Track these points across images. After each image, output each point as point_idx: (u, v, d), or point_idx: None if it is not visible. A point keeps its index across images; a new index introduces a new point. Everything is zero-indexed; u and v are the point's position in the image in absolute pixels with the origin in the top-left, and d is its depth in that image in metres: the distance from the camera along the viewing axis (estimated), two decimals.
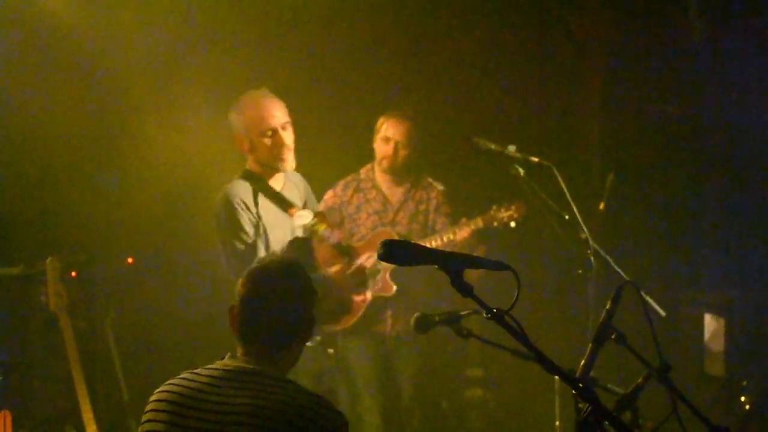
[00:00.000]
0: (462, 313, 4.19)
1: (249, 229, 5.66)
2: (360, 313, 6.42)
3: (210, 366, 3.64)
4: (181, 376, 3.64)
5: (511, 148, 5.84)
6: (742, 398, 6.75)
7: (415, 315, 4.41)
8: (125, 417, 6.72)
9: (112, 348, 6.91)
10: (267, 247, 5.71)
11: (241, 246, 5.65)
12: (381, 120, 6.74)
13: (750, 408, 6.67)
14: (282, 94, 5.93)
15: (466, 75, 8.16)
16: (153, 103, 7.19)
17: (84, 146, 7.31)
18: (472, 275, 3.11)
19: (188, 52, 7.36)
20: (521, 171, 5.81)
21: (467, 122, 7.82)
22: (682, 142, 8.07)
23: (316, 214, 5.90)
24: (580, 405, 3.18)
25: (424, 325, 4.37)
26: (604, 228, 6.96)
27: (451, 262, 3.11)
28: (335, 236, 5.80)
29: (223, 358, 3.67)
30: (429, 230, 6.75)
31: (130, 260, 7.40)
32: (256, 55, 7.52)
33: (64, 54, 7.02)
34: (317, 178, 6.42)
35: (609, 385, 3.81)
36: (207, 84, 7.34)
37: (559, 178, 5.72)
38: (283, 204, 5.85)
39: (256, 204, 5.74)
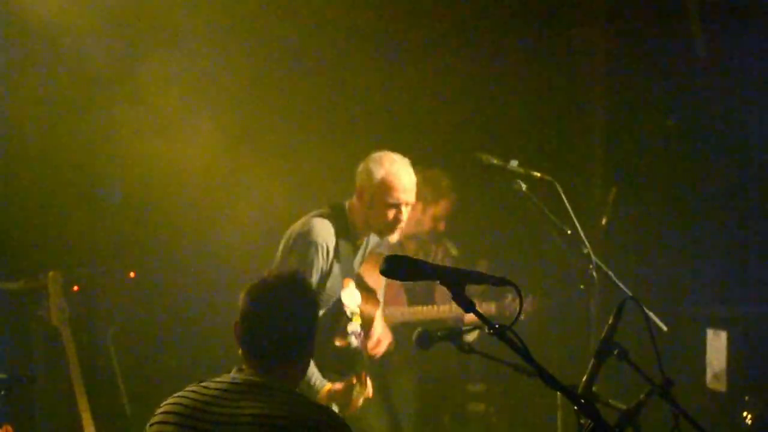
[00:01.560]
0: (464, 328, 4.19)
1: (315, 274, 5.56)
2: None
3: (218, 379, 3.65)
4: (189, 388, 3.65)
5: (513, 163, 5.84)
6: (745, 413, 6.74)
7: (417, 330, 4.40)
8: (127, 430, 6.72)
9: (114, 362, 6.91)
10: (321, 294, 5.59)
11: None
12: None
13: (752, 423, 6.66)
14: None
15: (466, 90, 8.15)
16: (157, 116, 7.19)
17: (87, 160, 7.31)
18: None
19: (193, 67, 7.36)
20: (523, 186, 5.81)
21: (468, 137, 7.81)
22: (684, 156, 8.07)
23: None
24: (582, 421, 3.19)
25: (425, 340, 4.37)
26: (606, 243, 6.97)
27: (453, 278, 3.11)
28: (358, 340, 5.69)
29: (230, 372, 3.69)
30: (431, 298, 6.80)
31: (132, 274, 7.41)
32: (259, 67, 7.53)
33: (67, 67, 7.02)
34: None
35: (611, 401, 3.80)
36: (211, 98, 7.35)
37: (561, 193, 5.72)
38: (348, 269, 5.77)
39: (337, 254, 5.65)
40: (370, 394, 5.61)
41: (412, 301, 6.92)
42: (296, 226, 5.70)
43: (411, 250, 7.03)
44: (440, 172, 7.06)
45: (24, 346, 7.02)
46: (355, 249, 5.82)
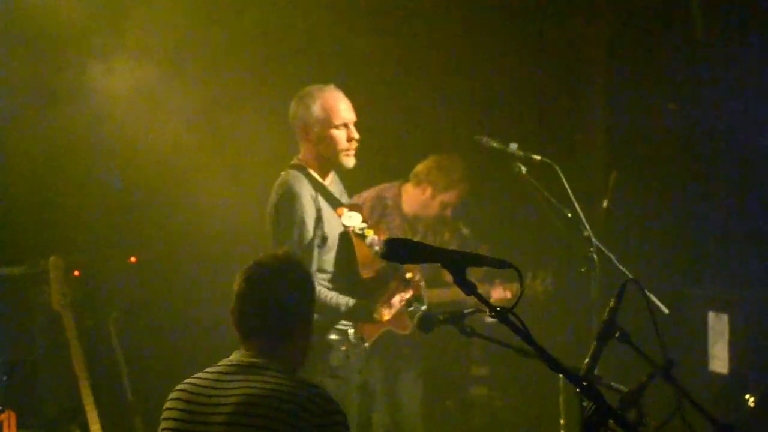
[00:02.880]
0: (466, 311, 4.19)
1: (310, 222, 5.59)
2: (382, 330, 6.32)
3: (218, 363, 3.70)
4: (196, 374, 3.72)
5: (513, 147, 5.83)
6: (747, 395, 6.75)
7: (419, 314, 4.41)
8: (129, 416, 6.73)
9: (116, 347, 6.91)
10: (323, 241, 5.66)
11: (299, 239, 5.57)
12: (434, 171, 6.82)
13: (754, 405, 6.67)
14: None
15: (467, 74, 8.15)
16: (156, 102, 7.18)
17: (87, 145, 7.30)
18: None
19: (190, 53, 7.35)
20: (523, 169, 5.80)
21: (469, 121, 7.80)
22: (685, 139, 8.07)
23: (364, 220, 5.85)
24: (585, 403, 3.18)
25: (427, 323, 4.38)
26: (607, 226, 6.97)
27: (454, 260, 3.11)
28: (380, 246, 5.73)
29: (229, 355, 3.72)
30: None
31: (133, 259, 7.41)
32: (252, 57, 7.53)
33: (66, 54, 7.01)
34: None
35: (613, 383, 3.80)
36: (210, 85, 7.34)
37: (562, 176, 5.71)
38: (333, 202, 5.80)
39: (317, 198, 5.68)
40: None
41: (430, 284, 6.92)
42: (272, 196, 5.74)
43: (420, 231, 7.03)
44: (456, 160, 7.04)
45: (26, 331, 7.02)
46: (330, 186, 5.84)
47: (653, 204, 8.07)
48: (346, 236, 5.73)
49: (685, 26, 7.98)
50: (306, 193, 5.63)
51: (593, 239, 5.71)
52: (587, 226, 5.72)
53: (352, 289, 5.66)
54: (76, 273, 6.82)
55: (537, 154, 5.82)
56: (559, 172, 5.73)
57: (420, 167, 7.02)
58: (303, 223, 5.57)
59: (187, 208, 7.36)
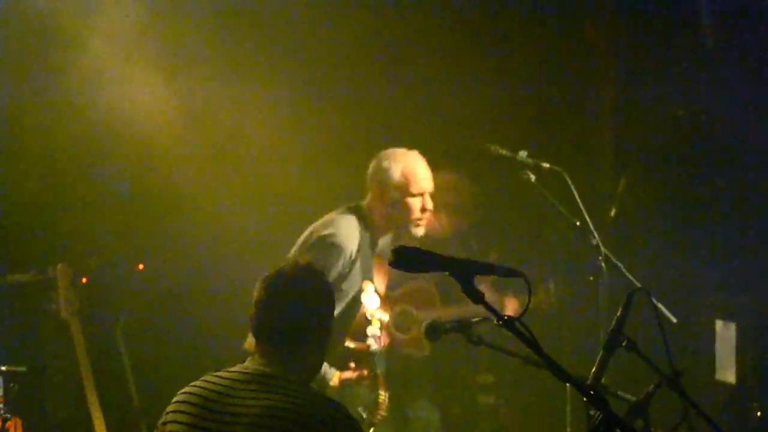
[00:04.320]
0: (473, 320, 4.18)
1: (335, 273, 5.52)
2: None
3: (231, 369, 3.70)
4: (204, 378, 3.70)
5: (522, 154, 5.83)
6: (754, 405, 6.74)
7: (426, 323, 4.40)
8: (136, 423, 6.73)
9: (123, 354, 6.91)
10: (338, 295, 5.45)
11: None
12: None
13: (762, 415, 6.65)
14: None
15: (475, 81, 8.14)
16: (165, 109, 7.18)
17: (94, 153, 7.31)
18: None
19: (197, 56, 7.35)
20: (532, 177, 5.79)
21: (477, 129, 7.80)
22: (694, 146, 8.05)
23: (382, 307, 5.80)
24: (592, 412, 3.18)
25: (434, 332, 4.37)
26: (615, 234, 6.96)
27: (462, 269, 3.10)
28: (377, 343, 5.66)
29: (244, 361, 3.71)
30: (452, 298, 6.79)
31: (140, 266, 7.41)
32: (259, 60, 7.52)
33: (73, 60, 7.01)
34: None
35: (620, 392, 3.80)
36: (220, 90, 7.34)
37: (570, 184, 5.71)
38: (366, 271, 5.75)
39: (356, 256, 5.62)
40: (384, 410, 5.60)
41: (445, 303, 6.89)
42: (321, 225, 5.67)
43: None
44: (467, 182, 7.02)
45: (33, 338, 7.03)
46: (374, 251, 5.80)
47: (661, 212, 8.06)
48: (356, 302, 5.66)
49: (695, 32, 7.97)
50: (349, 248, 5.57)
51: (602, 247, 5.70)
52: (596, 235, 5.71)
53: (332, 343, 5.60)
54: (84, 280, 6.82)
55: (546, 161, 5.82)
56: (568, 179, 5.73)
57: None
58: (328, 270, 5.38)
59: (195, 216, 7.36)
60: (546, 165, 5.82)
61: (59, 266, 6.39)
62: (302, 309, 3.72)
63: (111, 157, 7.43)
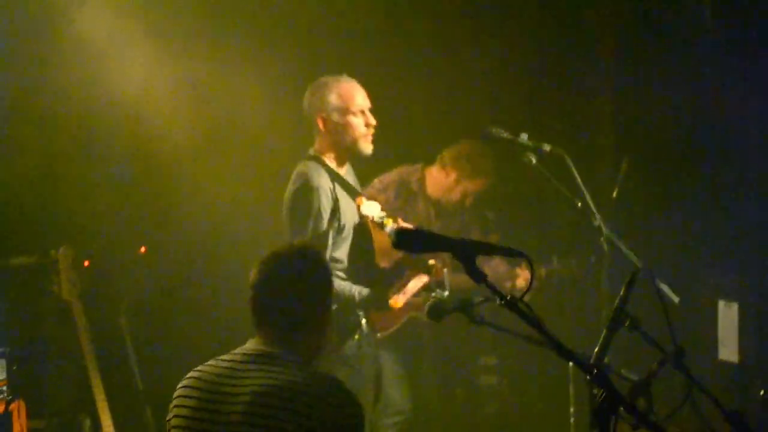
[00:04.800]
0: (476, 299, 4.18)
1: (326, 214, 5.61)
2: (403, 319, 6.33)
3: (232, 351, 3.72)
4: (207, 363, 3.73)
5: (523, 137, 5.83)
6: (757, 384, 6.74)
7: (428, 302, 4.40)
8: (140, 405, 6.74)
9: (126, 337, 6.92)
10: (339, 232, 5.69)
11: (314, 230, 5.59)
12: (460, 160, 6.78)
13: (764, 394, 6.66)
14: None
15: (476, 64, 8.13)
16: (168, 93, 7.18)
17: (96, 135, 7.31)
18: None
19: (201, 42, 7.35)
20: (533, 159, 5.79)
21: (478, 111, 7.79)
22: (695, 127, 8.04)
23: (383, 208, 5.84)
24: (595, 391, 3.18)
25: (437, 311, 4.36)
26: (617, 215, 6.95)
27: (464, 249, 3.11)
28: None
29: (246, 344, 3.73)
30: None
31: (143, 249, 7.41)
32: (265, 47, 7.51)
33: (75, 44, 7.00)
34: None
35: (623, 371, 3.80)
36: (222, 75, 7.34)
37: (572, 166, 5.71)
38: (351, 191, 5.81)
39: (334, 188, 5.69)
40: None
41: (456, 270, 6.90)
42: (289, 186, 5.75)
43: (444, 214, 7.00)
44: (486, 149, 7.02)
45: (36, 321, 7.04)
46: (345, 176, 5.84)
47: (663, 193, 8.05)
48: (363, 226, 5.74)
49: (695, 16, 7.96)
50: (324, 184, 5.64)
51: (603, 228, 5.71)
52: (597, 216, 5.71)
53: (368, 278, 5.68)
54: (86, 263, 6.83)
55: (547, 144, 5.81)
56: (569, 161, 5.73)
57: (449, 152, 7.02)
58: (319, 214, 5.59)
59: (198, 198, 7.37)
60: (547, 147, 5.82)
61: (61, 249, 6.39)
62: (299, 290, 3.73)
63: (113, 140, 7.43)
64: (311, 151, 5.83)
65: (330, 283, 3.88)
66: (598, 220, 5.72)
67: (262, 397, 3.47)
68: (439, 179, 6.98)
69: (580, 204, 5.73)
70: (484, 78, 8.15)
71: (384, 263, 5.76)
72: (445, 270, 5.76)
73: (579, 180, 5.71)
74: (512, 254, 3.17)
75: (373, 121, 5.78)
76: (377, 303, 5.63)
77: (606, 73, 8.46)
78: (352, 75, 5.89)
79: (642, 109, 8.16)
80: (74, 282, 6.34)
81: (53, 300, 6.50)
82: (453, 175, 6.94)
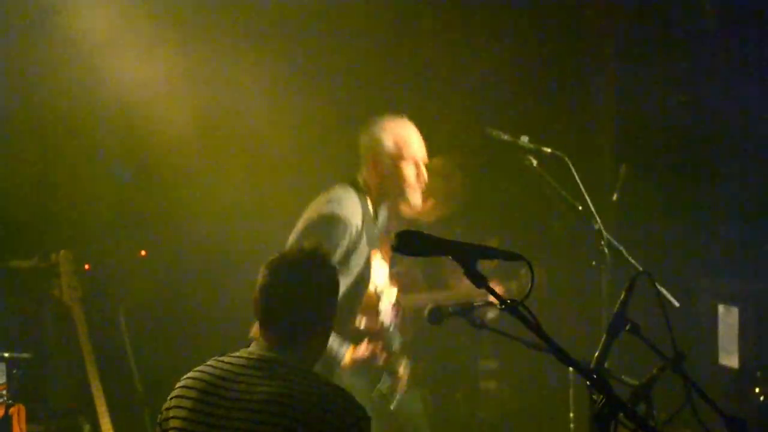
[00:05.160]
0: (476, 303, 4.18)
1: (340, 250, 5.32)
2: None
3: (235, 353, 3.70)
4: (208, 363, 3.70)
5: (524, 139, 5.82)
6: (757, 389, 6.74)
7: (429, 306, 4.39)
8: (139, 408, 6.74)
9: (126, 340, 6.92)
10: (342, 270, 5.13)
11: None
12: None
13: (764, 399, 6.66)
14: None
15: (477, 67, 8.14)
16: (168, 95, 7.18)
17: (97, 139, 7.32)
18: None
19: (204, 45, 7.34)
20: (534, 162, 5.79)
21: (479, 114, 7.80)
22: (695, 131, 8.05)
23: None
24: (595, 396, 3.18)
25: (437, 316, 4.36)
26: (617, 218, 6.95)
27: (465, 253, 3.10)
28: (390, 318, 5.61)
29: (248, 346, 3.71)
30: (439, 282, 6.74)
31: (143, 253, 7.42)
32: (269, 49, 7.51)
33: (73, 49, 7.00)
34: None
35: (623, 376, 3.80)
36: (223, 77, 7.34)
37: (572, 169, 5.71)
38: (372, 240, 5.57)
39: (361, 230, 5.44)
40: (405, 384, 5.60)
41: (432, 286, 6.87)
42: (321, 203, 5.46)
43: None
44: (454, 170, 6.95)
45: (36, 324, 7.04)
46: (377, 224, 5.73)
47: (663, 196, 8.06)
48: (365, 277, 5.59)
49: (697, 17, 7.96)
50: (353, 221, 5.38)
51: (604, 232, 5.70)
52: (598, 219, 5.71)
53: (343, 321, 5.55)
54: (87, 266, 6.83)
55: (547, 146, 5.81)
56: (570, 164, 5.72)
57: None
58: (334, 248, 5.25)
59: (198, 202, 7.37)
60: (547, 150, 5.81)
61: (62, 252, 6.39)
62: (307, 295, 3.71)
63: (113, 144, 7.44)
64: (359, 179, 5.61)
65: (337, 288, 3.85)
66: (598, 224, 5.71)
67: (268, 405, 3.44)
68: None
69: (580, 207, 5.73)
70: (484, 80, 8.15)
71: (356, 322, 5.67)
72: (402, 364, 5.64)
73: (580, 183, 5.70)
74: (513, 258, 3.16)
75: (424, 177, 5.58)
76: (336, 360, 5.48)
77: (606, 77, 8.47)
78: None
79: (642, 113, 8.17)
80: (74, 285, 6.34)
81: (53, 303, 6.50)
82: (430, 202, 6.80)
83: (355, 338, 5.53)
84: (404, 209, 6.33)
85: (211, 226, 7.42)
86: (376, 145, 5.55)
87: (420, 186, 5.59)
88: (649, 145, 8.13)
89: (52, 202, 7.17)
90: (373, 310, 5.49)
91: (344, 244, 5.33)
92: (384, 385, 5.45)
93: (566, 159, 5.73)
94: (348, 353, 5.36)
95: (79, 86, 7.01)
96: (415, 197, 5.59)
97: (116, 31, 6.98)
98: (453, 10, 8.12)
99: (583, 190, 5.69)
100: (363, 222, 5.43)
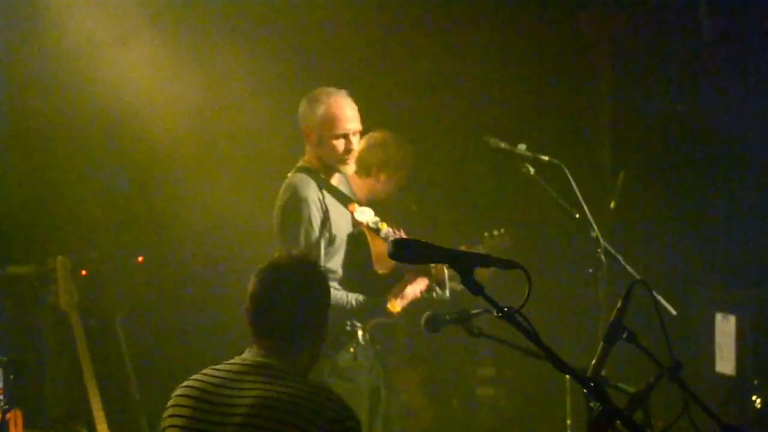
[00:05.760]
0: (473, 311, 4.18)
1: (316, 224, 5.61)
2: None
3: (229, 361, 3.71)
4: (203, 371, 3.71)
5: (522, 147, 5.82)
6: (754, 397, 6.74)
7: (426, 314, 4.39)
8: (136, 415, 6.73)
9: (123, 346, 6.92)
10: (331, 242, 5.68)
11: (306, 242, 5.58)
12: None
13: (761, 407, 6.66)
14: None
15: (474, 74, 8.13)
16: (165, 102, 7.18)
17: (94, 146, 7.31)
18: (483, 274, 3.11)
19: (199, 50, 7.34)
20: (531, 170, 5.78)
21: (476, 122, 7.79)
22: (692, 139, 8.05)
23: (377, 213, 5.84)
24: (592, 404, 3.18)
25: (434, 323, 4.35)
26: (614, 226, 6.95)
27: (461, 261, 3.10)
28: (396, 236, 5.69)
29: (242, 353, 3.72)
30: None
31: (140, 259, 7.41)
32: (263, 55, 7.51)
33: (72, 54, 7.00)
34: None
35: (620, 384, 3.79)
36: (220, 84, 7.34)
37: (570, 177, 5.71)
38: (344, 200, 5.81)
39: (323, 198, 5.69)
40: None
41: None
42: (278, 198, 5.76)
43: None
44: (390, 138, 6.84)
45: (33, 330, 7.04)
46: (336, 187, 5.85)
47: (661, 205, 8.06)
48: (357, 234, 5.75)
49: (693, 25, 7.97)
50: (312, 195, 5.65)
51: (601, 240, 5.70)
52: (595, 227, 5.71)
53: (365, 286, 5.68)
54: (83, 272, 6.83)
55: (545, 154, 5.81)
56: (567, 172, 5.72)
57: (373, 156, 6.78)
58: (309, 225, 5.60)
59: (195, 209, 7.37)
60: (545, 158, 5.82)
61: (59, 258, 6.39)
62: (298, 301, 3.72)
63: (110, 150, 7.44)
64: (301, 162, 5.84)
65: (328, 294, 3.87)
66: (595, 232, 5.71)
67: (260, 409, 3.46)
68: (362, 184, 6.72)
69: (578, 215, 5.73)
70: (481, 88, 8.15)
71: (382, 269, 5.77)
72: (446, 270, 5.76)
73: (577, 191, 5.70)
74: (510, 266, 3.16)
75: (353, 147, 5.74)
76: (375, 310, 5.64)
77: (604, 85, 8.47)
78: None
79: (640, 122, 8.17)
80: (71, 291, 6.33)
81: (50, 309, 6.50)
82: (382, 177, 6.75)
83: (384, 286, 5.75)
84: (359, 194, 6.37)
85: (208, 233, 7.42)
86: (307, 117, 5.72)
87: (347, 158, 5.69)
88: (646, 153, 8.13)
89: (49, 208, 7.16)
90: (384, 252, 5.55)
91: (317, 216, 5.61)
92: (441, 294, 5.52)
93: (564, 167, 5.73)
94: (392, 303, 5.64)
95: (76, 92, 7.02)
96: (347, 168, 5.73)
97: (113, 38, 6.99)
98: (449, 15, 8.11)
99: (580, 198, 5.69)
100: (322, 192, 5.68)
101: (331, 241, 5.67)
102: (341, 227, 5.73)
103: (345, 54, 7.72)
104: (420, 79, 8.05)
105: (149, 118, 7.12)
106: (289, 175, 5.82)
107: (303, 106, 5.80)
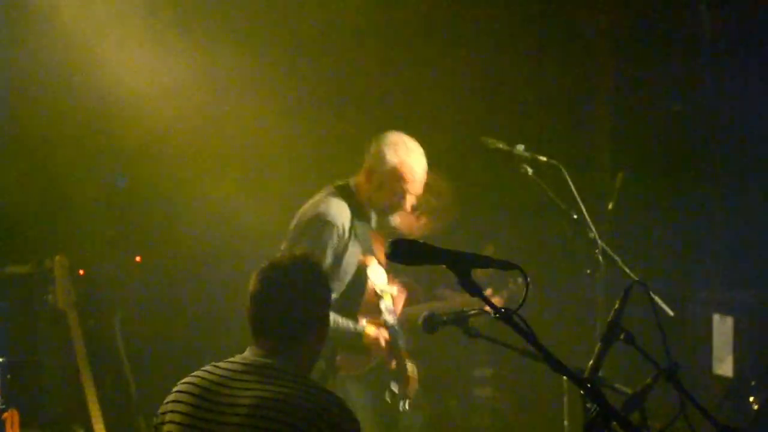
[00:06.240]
0: (470, 312, 4.18)
1: (331, 252, 5.45)
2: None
3: (230, 359, 3.69)
4: (204, 368, 3.70)
5: (520, 148, 5.83)
6: (751, 398, 6.74)
7: (423, 314, 4.39)
8: (133, 415, 6.73)
9: (120, 346, 6.92)
10: (334, 272, 5.46)
11: None
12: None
13: (759, 408, 6.66)
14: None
15: (473, 75, 8.13)
16: (164, 101, 7.17)
17: (92, 145, 7.31)
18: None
19: (202, 50, 7.34)
20: (529, 170, 5.79)
21: (475, 122, 7.79)
22: (691, 140, 8.06)
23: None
24: (589, 405, 3.18)
25: (432, 324, 4.36)
26: (612, 228, 6.96)
27: (459, 262, 3.10)
28: (393, 316, 5.61)
29: (243, 353, 3.71)
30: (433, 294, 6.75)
31: (138, 259, 7.41)
32: (267, 55, 7.51)
33: (72, 54, 7.00)
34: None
35: (617, 385, 3.80)
36: (219, 83, 7.33)
37: (568, 178, 5.71)
38: (366, 246, 5.66)
39: (351, 234, 5.55)
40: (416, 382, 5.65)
41: (427, 298, 6.84)
42: (308, 208, 5.60)
43: None
44: (452, 193, 6.87)
45: (30, 329, 7.03)
46: (369, 225, 5.75)
47: (659, 206, 8.07)
48: (361, 276, 5.62)
49: (693, 26, 7.97)
50: (340, 222, 5.48)
51: (599, 241, 5.71)
52: (593, 228, 5.71)
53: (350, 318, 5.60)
54: (81, 272, 6.83)
55: (543, 155, 5.81)
56: (565, 173, 5.73)
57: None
58: (324, 251, 5.41)
59: (193, 208, 7.37)
60: (543, 158, 5.82)
61: (57, 258, 6.39)
62: (299, 301, 3.70)
63: (108, 150, 7.43)
64: (351, 182, 5.69)
65: (329, 294, 3.86)
66: (593, 233, 5.72)
67: (260, 409, 3.45)
68: (405, 219, 6.67)
69: (575, 216, 5.73)
70: (479, 88, 8.15)
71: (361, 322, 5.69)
72: (413, 371, 5.69)
73: (575, 192, 5.71)
74: (508, 267, 3.16)
75: (407, 207, 5.65)
76: (352, 338, 5.55)
77: (603, 85, 8.47)
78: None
79: (638, 122, 8.18)
80: (69, 291, 6.33)
81: (48, 309, 6.49)
82: (423, 220, 6.76)
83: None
84: (395, 223, 6.35)
85: (206, 232, 7.42)
86: (379, 160, 5.56)
87: (396, 212, 5.64)
88: (645, 154, 8.13)
89: (47, 208, 7.15)
90: (374, 307, 5.51)
91: (334, 244, 5.45)
92: (394, 386, 5.46)
93: (562, 168, 5.74)
94: (369, 326, 5.53)
95: (75, 92, 7.02)
96: (394, 219, 5.66)
97: (113, 42, 6.99)
98: (449, 17, 8.12)
99: (578, 198, 5.70)
100: (352, 225, 5.53)
101: (335, 271, 5.47)
102: (351, 263, 5.59)
103: (345, 53, 7.71)
104: (419, 79, 8.04)
105: (148, 118, 7.11)
106: (332, 187, 5.66)
107: (377, 146, 5.64)
